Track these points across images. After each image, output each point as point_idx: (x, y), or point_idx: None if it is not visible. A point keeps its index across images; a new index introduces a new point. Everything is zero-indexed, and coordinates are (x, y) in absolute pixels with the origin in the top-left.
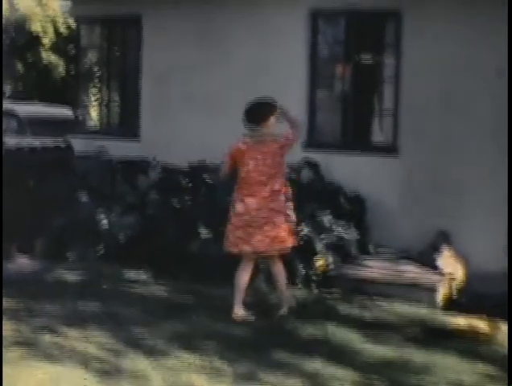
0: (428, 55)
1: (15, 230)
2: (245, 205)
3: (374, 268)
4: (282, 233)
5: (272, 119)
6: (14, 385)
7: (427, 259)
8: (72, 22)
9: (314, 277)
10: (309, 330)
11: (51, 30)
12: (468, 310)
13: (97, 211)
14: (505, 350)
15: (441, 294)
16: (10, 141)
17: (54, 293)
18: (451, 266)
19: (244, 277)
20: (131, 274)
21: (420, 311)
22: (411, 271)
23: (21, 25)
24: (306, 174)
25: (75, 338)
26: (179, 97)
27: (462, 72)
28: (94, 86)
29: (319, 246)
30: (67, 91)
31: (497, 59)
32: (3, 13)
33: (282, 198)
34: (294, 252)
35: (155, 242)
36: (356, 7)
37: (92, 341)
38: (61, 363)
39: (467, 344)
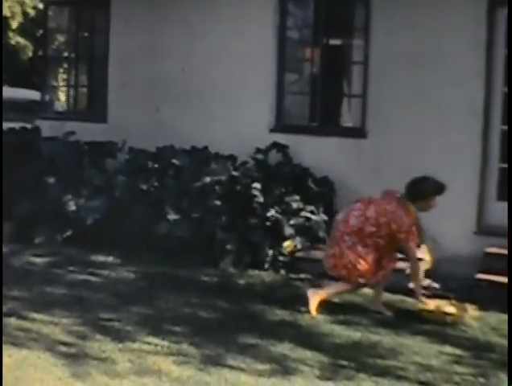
0: (397, 39)
1: None
2: None
3: None
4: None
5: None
6: None
7: None
8: (40, 4)
9: (282, 260)
10: (277, 313)
11: (19, 12)
12: (436, 293)
13: (64, 194)
14: (472, 332)
15: (409, 277)
16: None
17: (21, 278)
18: (419, 249)
19: None
20: (99, 257)
21: (388, 294)
22: None
23: None
24: (274, 157)
25: (41, 322)
26: (146, 81)
27: (430, 57)
28: (62, 69)
29: (287, 229)
30: (34, 73)
31: (467, 45)
32: None
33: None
34: (262, 235)
35: (123, 225)
36: None
37: (58, 325)
38: (27, 347)
39: (435, 327)
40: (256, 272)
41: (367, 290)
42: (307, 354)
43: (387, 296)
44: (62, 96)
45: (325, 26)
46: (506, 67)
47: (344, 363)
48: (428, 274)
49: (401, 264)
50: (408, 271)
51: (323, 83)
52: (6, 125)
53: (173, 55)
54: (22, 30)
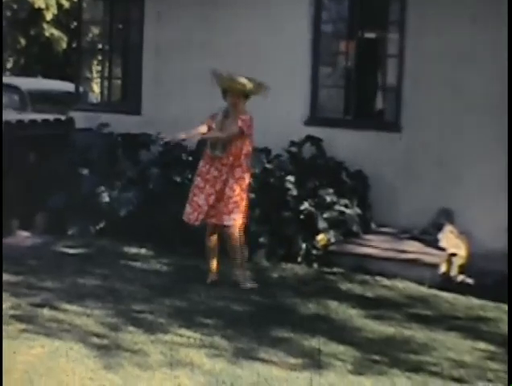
0: (433, 32)
1: (16, 205)
2: None
3: (376, 245)
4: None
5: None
6: (12, 359)
7: (429, 236)
8: None
9: (315, 253)
10: (310, 307)
11: (53, 3)
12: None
13: (97, 185)
14: (506, 328)
15: (443, 272)
16: (12, 114)
17: (54, 268)
18: (453, 244)
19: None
20: (132, 249)
21: (422, 289)
22: (413, 248)
23: None
24: (308, 150)
25: (74, 313)
26: (181, 73)
27: (465, 51)
28: (96, 60)
29: (320, 222)
30: (69, 65)
31: (499, 38)
32: None
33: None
34: (295, 229)
35: (156, 217)
36: None
37: (91, 316)
38: (59, 338)
39: (469, 323)
40: (289, 265)
41: (400, 285)
42: (340, 348)
43: (421, 290)
44: (96, 88)
45: (360, 19)
46: None
47: (377, 358)
48: (463, 269)
49: (434, 259)
50: (444, 269)
51: (357, 76)
52: (40, 117)
53: (207, 48)
54: (56, 22)
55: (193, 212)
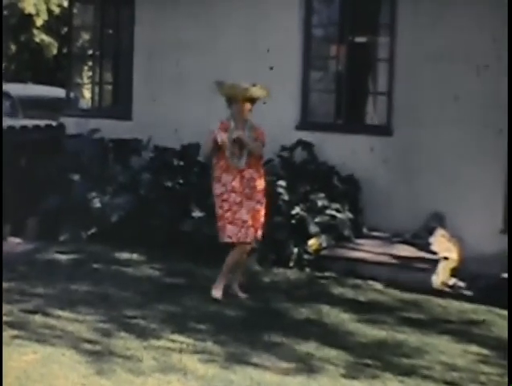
0: (423, 36)
1: (7, 210)
2: None
3: (368, 249)
4: None
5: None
6: (4, 366)
7: (420, 240)
8: (65, 1)
9: (307, 258)
10: (302, 312)
11: (44, 9)
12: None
13: (89, 191)
14: (498, 331)
15: (435, 276)
16: (3, 121)
17: (46, 274)
18: (445, 248)
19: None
20: (123, 255)
21: (414, 292)
22: (405, 252)
23: (13, 4)
24: (299, 155)
25: (66, 320)
26: (171, 77)
27: (456, 54)
28: (87, 66)
29: (312, 227)
30: (59, 71)
31: (492, 40)
32: None
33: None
34: (287, 233)
35: (148, 222)
36: None
37: (83, 322)
38: (52, 344)
39: (461, 326)
40: (281, 270)
41: (392, 289)
42: (333, 352)
43: (413, 294)
44: (87, 94)
45: (351, 23)
46: None
47: (370, 362)
48: (455, 273)
49: (426, 263)
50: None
51: (348, 80)
52: (31, 122)
53: (198, 52)
54: (46, 28)
55: (240, 229)
